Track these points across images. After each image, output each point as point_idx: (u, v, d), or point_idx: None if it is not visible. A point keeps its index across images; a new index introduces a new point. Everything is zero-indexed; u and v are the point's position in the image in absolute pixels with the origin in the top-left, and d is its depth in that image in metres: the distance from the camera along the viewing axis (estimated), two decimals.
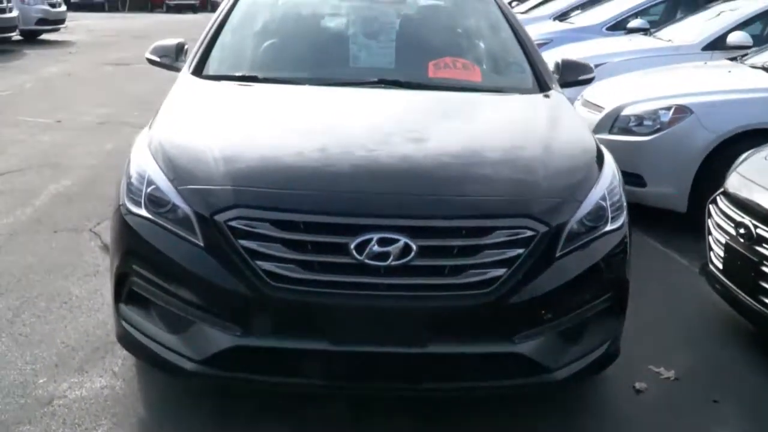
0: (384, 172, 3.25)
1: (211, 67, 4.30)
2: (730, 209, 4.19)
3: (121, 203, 3.31)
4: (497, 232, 3.03)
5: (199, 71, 4.26)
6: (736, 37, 8.43)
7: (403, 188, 3.15)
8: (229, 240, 2.99)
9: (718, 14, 9.43)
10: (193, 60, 4.32)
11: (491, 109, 4.10)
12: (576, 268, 3.15)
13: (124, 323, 3.34)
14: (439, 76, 4.36)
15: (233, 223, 2.99)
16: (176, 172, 3.22)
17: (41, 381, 3.61)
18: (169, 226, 3.12)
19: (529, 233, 3.04)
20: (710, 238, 4.46)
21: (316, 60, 4.49)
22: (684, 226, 5.83)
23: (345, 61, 4.51)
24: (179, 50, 4.57)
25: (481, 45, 4.88)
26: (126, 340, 3.38)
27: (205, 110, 3.75)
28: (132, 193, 3.29)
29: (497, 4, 4.98)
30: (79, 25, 24.76)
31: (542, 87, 4.33)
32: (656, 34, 9.80)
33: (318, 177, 3.19)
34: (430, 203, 3.09)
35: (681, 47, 8.78)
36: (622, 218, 3.38)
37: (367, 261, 2.94)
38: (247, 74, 4.23)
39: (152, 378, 3.63)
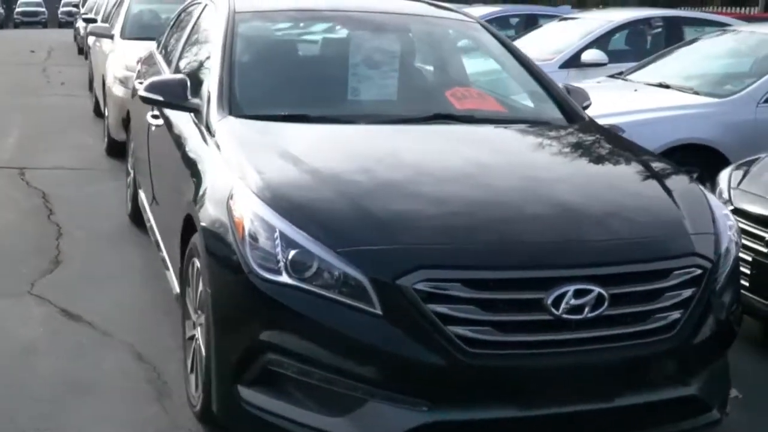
0: (554, 218, 3.06)
1: (247, 107, 3.78)
2: (749, 226, 4.36)
3: (248, 271, 2.86)
4: (674, 273, 2.95)
5: (237, 112, 3.73)
6: (590, 55, 8.90)
7: (584, 234, 3.00)
8: (417, 305, 2.69)
9: (561, 32, 9.92)
10: (221, 100, 3.76)
11: (564, 144, 3.93)
12: (729, 299, 3.17)
13: (248, 407, 2.90)
14: (466, 108, 4.18)
15: (420, 286, 2.69)
16: (328, 232, 2.83)
17: None
18: (328, 295, 2.75)
19: (698, 271, 3.00)
20: None
21: (355, 94, 4.14)
22: None
23: (376, 93, 4.19)
24: (184, 87, 3.99)
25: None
26: (251, 427, 2.93)
27: (303, 156, 3.28)
28: (262, 258, 2.85)
29: (488, 31, 4.86)
30: None
31: (571, 116, 4.25)
32: None
33: (495, 228, 2.96)
34: (617, 248, 2.96)
35: (542, 66, 9.10)
36: (735, 243, 3.41)
37: (564, 316, 2.75)
38: (295, 113, 3.79)
39: None
